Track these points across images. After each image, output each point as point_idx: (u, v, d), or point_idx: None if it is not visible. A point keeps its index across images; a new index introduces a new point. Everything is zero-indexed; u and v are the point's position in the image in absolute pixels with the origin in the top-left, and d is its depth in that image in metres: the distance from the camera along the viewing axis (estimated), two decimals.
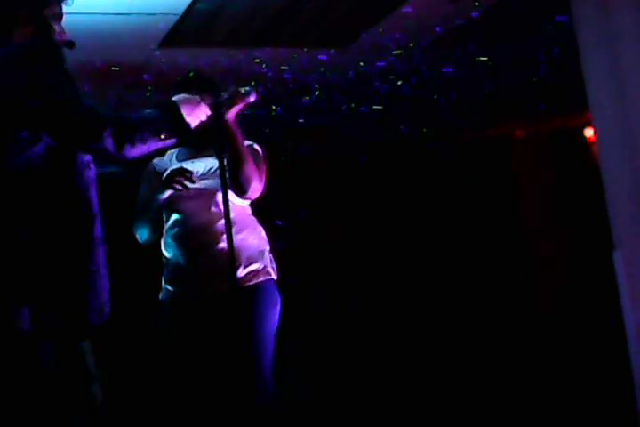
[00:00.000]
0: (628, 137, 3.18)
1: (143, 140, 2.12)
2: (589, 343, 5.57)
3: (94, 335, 2.15)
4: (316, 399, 5.14)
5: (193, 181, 2.83)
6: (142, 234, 3.01)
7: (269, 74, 5.19)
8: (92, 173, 2.17)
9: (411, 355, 6.01)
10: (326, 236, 6.64)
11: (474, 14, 4.60)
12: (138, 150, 2.12)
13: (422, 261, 6.79)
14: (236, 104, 2.69)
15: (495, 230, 6.94)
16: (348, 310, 6.39)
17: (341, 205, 6.76)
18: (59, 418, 2.07)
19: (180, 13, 4.17)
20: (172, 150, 3.09)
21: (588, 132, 7.48)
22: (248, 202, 3.02)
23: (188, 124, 2.28)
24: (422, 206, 6.92)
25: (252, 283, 2.88)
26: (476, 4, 4.39)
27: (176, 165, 2.96)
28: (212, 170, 2.93)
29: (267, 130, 5.90)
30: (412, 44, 5.06)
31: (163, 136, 2.18)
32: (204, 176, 2.95)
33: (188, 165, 2.97)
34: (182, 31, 4.43)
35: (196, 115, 2.36)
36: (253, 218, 3.04)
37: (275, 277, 2.99)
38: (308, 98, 5.70)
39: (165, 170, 2.96)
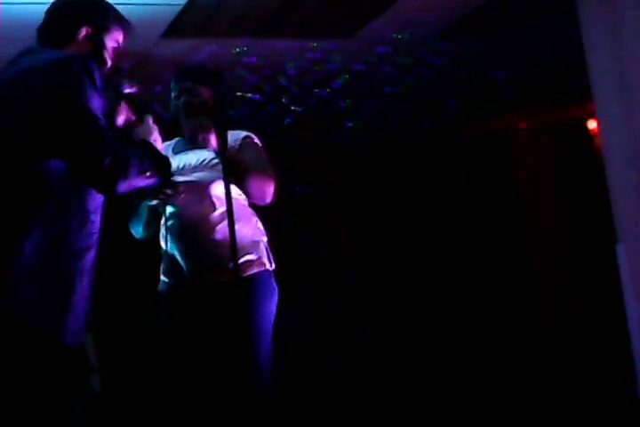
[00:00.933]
0: (631, 129, 3.18)
1: (134, 178, 2.09)
2: (592, 341, 5.57)
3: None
4: (315, 390, 5.16)
5: (179, 194, 2.79)
6: (137, 231, 3.02)
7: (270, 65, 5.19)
8: (101, 198, 2.17)
9: (412, 348, 6.02)
10: (326, 223, 6.62)
11: (476, 6, 4.59)
12: (127, 186, 2.09)
13: (423, 251, 6.78)
14: None
15: (496, 222, 6.93)
16: (347, 303, 6.40)
17: (342, 195, 6.75)
18: (58, 409, 2.07)
19: (184, 3, 4.16)
20: (169, 142, 3.05)
21: (591, 124, 7.45)
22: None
23: (166, 162, 2.27)
24: (422, 199, 6.91)
25: (246, 274, 2.87)
26: None
27: (172, 158, 2.93)
28: (205, 162, 2.92)
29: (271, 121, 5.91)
30: (414, 36, 5.05)
31: (148, 174, 2.14)
32: (196, 168, 2.93)
33: (182, 157, 2.96)
34: (185, 22, 4.43)
35: (158, 139, 2.37)
36: (249, 209, 3.03)
37: (270, 268, 2.97)
38: (314, 89, 5.69)
39: None
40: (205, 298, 2.85)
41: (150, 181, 2.17)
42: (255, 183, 2.86)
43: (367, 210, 6.75)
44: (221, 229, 2.84)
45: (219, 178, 2.75)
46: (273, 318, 2.89)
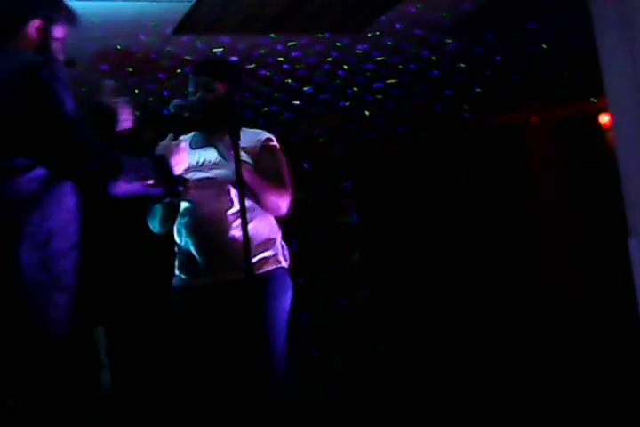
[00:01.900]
0: None
1: (129, 182, 2.14)
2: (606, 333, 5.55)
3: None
4: (330, 388, 5.16)
5: (189, 191, 2.76)
6: (154, 226, 3.01)
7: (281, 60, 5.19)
8: (74, 201, 2.19)
9: (430, 344, 6.01)
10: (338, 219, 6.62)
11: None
12: (122, 189, 2.14)
13: (439, 244, 6.77)
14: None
15: (509, 216, 6.92)
16: (358, 298, 6.39)
17: (356, 189, 6.74)
18: (67, 403, 2.10)
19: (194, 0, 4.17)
20: (186, 136, 3.05)
21: (603, 119, 7.44)
22: None
23: (175, 179, 2.34)
24: (435, 193, 6.91)
25: (262, 271, 2.86)
26: None
27: (190, 153, 2.90)
28: (212, 162, 2.92)
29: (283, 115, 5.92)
30: (424, 31, 5.05)
31: (151, 182, 2.21)
32: (215, 165, 2.91)
33: (201, 153, 2.95)
34: (196, 18, 4.44)
35: (181, 162, 2.48)
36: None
37: (286, 264, 2.96)
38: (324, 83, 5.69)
39: None
40: (220, 295, 2.85)
41: (153, 191, 2.25)
42: (270, 197, 2.86)
43: (382, 204, 6.75)
44: (238, 227, 2.82)
45: None
46: (287, 314, 2.88)
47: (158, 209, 2.93)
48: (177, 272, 2.99)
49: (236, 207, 2.84)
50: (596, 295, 6.36)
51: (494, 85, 6.37)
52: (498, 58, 5.83)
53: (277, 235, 2.98)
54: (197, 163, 2.93)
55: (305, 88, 5.74)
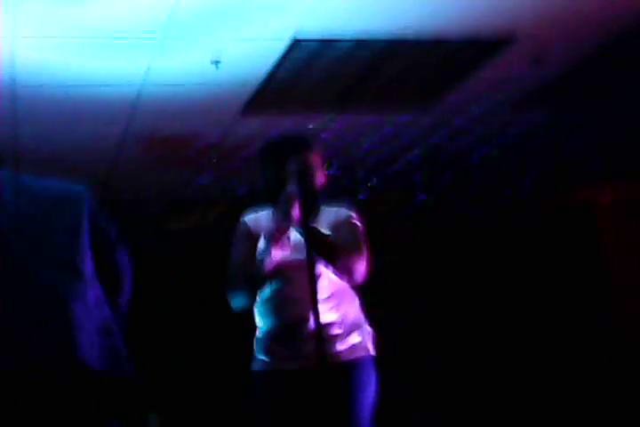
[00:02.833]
0: None
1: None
2: None
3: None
4: None
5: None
6: (240, 300, 2.82)
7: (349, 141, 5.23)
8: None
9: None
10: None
11: (554, 76, 4.54)
12: None
13: (507, 327, 6.60)
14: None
15: (581, 298, 6.72)
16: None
17: (420, 268, 6.66)
18: None
19: (261, 82, 4.24)
20: (266, 210, 2.90)
21: None
22: None
23: None
24: (504, 274, 6.76)
25: (350, 358, 2.74)
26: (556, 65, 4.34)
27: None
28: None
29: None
30: (490, 107, 5.03)
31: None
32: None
33: (295, 232, 2.77)
34: (262, 99, 4.51)
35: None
36: (351, 290, 2.88)
37: (373, 353, 2.83)
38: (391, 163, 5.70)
39: (260, 233, 2.82)
40: (307, 380, 2.70)
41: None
42: (342, 262, 2.72)
43: (446, 284, 6.64)
44: (327, 312, 2.72)
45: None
46: (372, 406, 2.73)
47: (253, 277, 2.79)
48: (259, 356, 2.85)
49: (327, 292, 2.75)
50: None
51: (565, 163, 6.29)
52: (567, 135, 5.76)
53: (364, 320, 2.87)
54: (291, 242, 2.77)
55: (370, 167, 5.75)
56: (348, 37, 3.82)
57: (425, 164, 5.92)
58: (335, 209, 2.91)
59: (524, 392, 6.28)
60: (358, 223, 2.88)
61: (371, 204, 6.24)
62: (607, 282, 6.78)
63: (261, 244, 2.76)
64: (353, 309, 2.83)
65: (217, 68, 3.99)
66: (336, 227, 2.82)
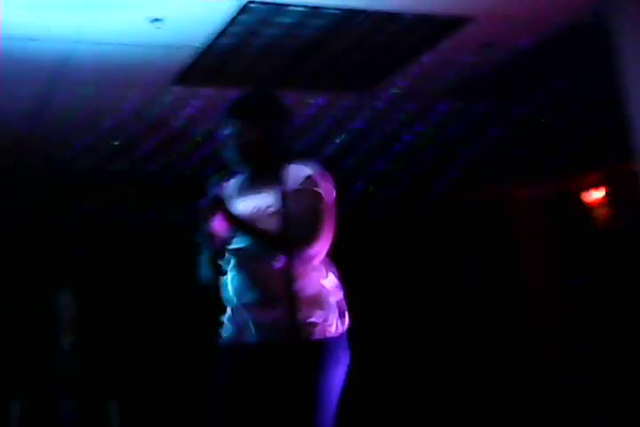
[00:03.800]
0: None
1: None
2: None
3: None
4: None
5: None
6: (202, 273, 2.68)
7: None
8: None
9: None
10: None
11: (501, 61, 4.47)
12: None
13: (421, 319, 6.58)
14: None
15: (495, 287, 6.80)
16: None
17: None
18: None
19: (202, 48, 4.03)
20: (240, 177, 2.73)
21: (587, 196, 7.41)
22: None
23: None
24: (419, 263, 6.75)
25: (312, 337, 2.51)
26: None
27: (235, 200, 2.64)
28: (262, 210, 2.57)
29: None
30: (431, 94, 4.96)
31: None
32: (254, 217, 2.58)
33: (244, 202, 2.63)
34: (198, 68, 4.30)
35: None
36: (325, 261, 2.62)
37: (341, 331, 2.59)
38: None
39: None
40: (267, 357, 2.54)
41: None
42: (284, 250, 2.46)
43: (368, 274, 6.55)
44: (284, 285, 2.45)
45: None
46: (337, 389, 2.53)
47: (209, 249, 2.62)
48: (224, 330, 2.68)
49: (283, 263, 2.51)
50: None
51: (483, 157, 6.30)
52: (488, 128, 5.77)
53: (332, 296, 2.61)
54: (245, 211, 2.61)
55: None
56: (300, 3, 3.65)
57: (353, 149, 5.80)
58: (297, 169, 2.61)
59: (433, 384, 6.28)
60: (318, 190, 2.59)
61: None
62: (522, 281, 6.90)
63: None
64: (318, 283, 2.58)
65: (156, 27, 3.76)
66: (292, 196, 2.51)
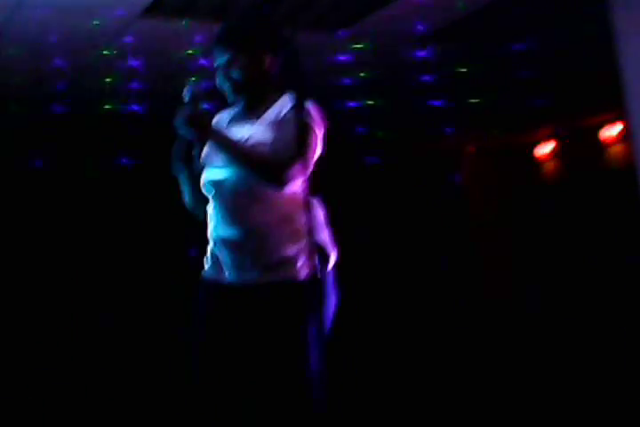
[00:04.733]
0: None
1: None
2: None
3: None
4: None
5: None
6: (183, 194, 2.58)
7: None
8: None
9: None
10: None
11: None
12: None
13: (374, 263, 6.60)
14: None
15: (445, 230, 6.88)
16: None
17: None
18: None
19: None
20: (233, 108, 2.60)
21: (538, 151, 7.49)
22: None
23: None
24: (369, 215, 6.73)
25: (289, 276, 2.41)
26: None
27: (225, 131, 2.52)
28: (246, 141, 2.45)
29: None
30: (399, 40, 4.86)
31: None
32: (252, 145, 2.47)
33: (233, 133, 2.51)
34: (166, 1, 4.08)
35: None
36: (301, 198, 2.45)
37: (325, 271, 2.48)
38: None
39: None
40: (243, 298, 2.43)
41: None
42: (261, 175, 2.41)
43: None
44: (268, 218, 2.42)
45: None
46: (324, 331, 2.41)
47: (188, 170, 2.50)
48: (205, 266, 2.55)
49: (268, 196, 2.42)
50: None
51: (439, 111, 6.26)
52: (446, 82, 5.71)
53: (317, 234, 2.46)
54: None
55: None
56: None
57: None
58: (289, 100, 2.50)
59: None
60: (307, 121, 2.45)
61: None
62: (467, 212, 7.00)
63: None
64: (297, 219, 2.44)
65: None
66: (281, 125, 2.46)
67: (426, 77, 5.48)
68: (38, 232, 6.08)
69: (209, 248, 2.55)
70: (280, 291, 2.39)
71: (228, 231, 2.47)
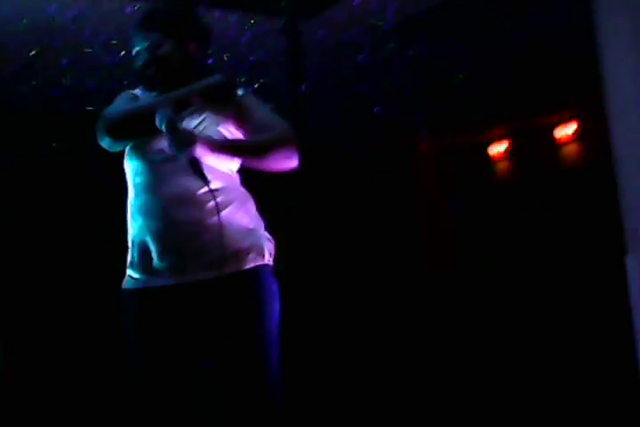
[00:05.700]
0: None
1: None
2: None
3: None
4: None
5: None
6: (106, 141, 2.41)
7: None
8: None
9: None
10: None
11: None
12: None
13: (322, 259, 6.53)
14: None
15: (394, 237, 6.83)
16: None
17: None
18: None
19: None
20: (147, 95, 2.47)
21: (492, 150, 7.49)
22: (236, 168, 2.42)
23: None
24: (328, 212, 6.67)
25: (241, 269, 2.29)
26: None
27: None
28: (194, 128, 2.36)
29: None
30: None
31: None
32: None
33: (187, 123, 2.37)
34: None
35: None
36: (243, 190, 2.42)
37: (270, 262, 2.38)
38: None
39: None
40: (186, 299, 2.27)
41: None
42: (279, 152, 2.33)
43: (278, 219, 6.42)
44: (209, 210, 2.27)
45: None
46: (274, 323, 2.32)
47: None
48: (128, 271, 2.36)
49: (210, 186, 2.28)
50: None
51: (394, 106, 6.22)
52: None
53: (259, 225, 2.40)
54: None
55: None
56: None
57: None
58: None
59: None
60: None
61: None
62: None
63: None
64: (242, 211, 2.36)
65: None
66: (237, 110, 2.40)
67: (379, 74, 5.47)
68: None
69: (132, 252, 2.38)
70: (229, 285, 2.28)
71: (167, 229, 2.31)
